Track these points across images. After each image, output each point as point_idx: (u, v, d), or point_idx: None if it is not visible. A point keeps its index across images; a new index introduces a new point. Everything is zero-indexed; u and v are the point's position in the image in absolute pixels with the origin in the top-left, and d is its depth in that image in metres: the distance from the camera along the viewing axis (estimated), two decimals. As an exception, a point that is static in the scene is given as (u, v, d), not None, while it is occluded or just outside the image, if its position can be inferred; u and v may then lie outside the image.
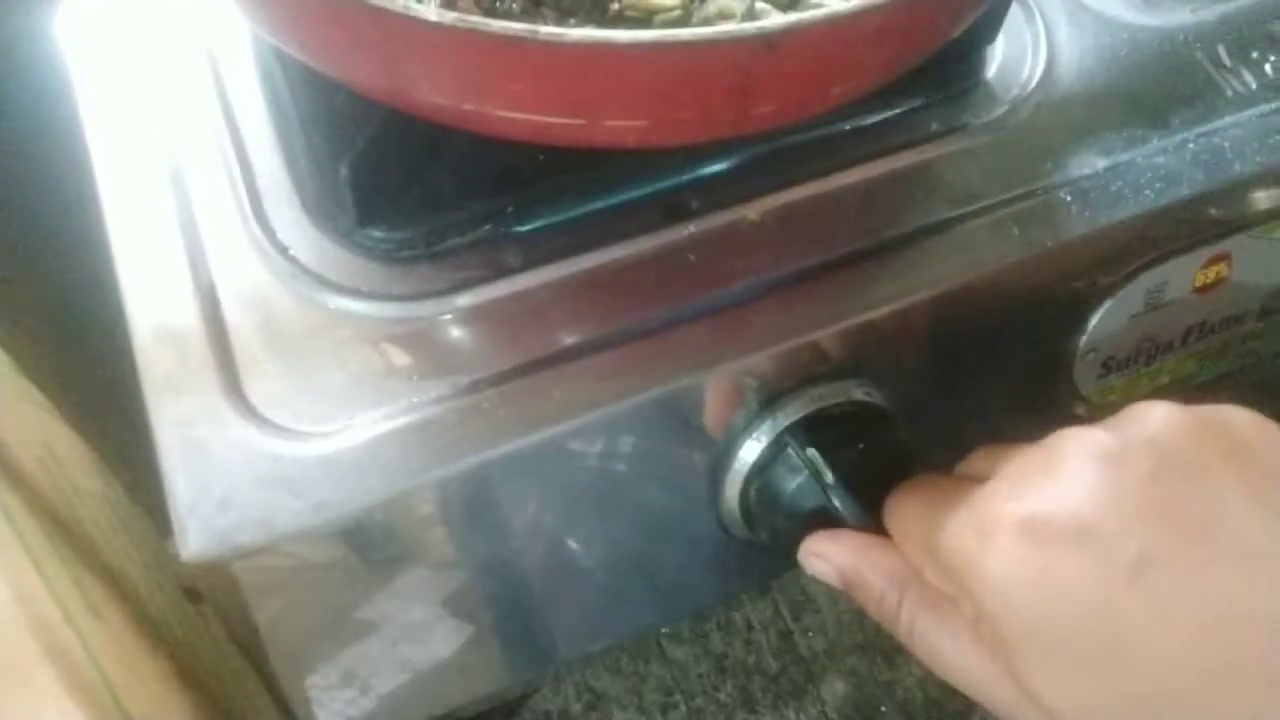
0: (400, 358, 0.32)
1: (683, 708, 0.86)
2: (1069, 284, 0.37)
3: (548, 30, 0.22)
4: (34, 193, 0.57)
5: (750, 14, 0.28)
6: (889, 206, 0.36)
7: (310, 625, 0.33)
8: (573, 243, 0.35)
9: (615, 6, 0.29)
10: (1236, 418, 0.25)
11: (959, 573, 0.25)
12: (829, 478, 0.31)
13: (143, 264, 0.35)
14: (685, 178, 0.36)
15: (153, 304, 0.34)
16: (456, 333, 0.33)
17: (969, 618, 0.26)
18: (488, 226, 0.35)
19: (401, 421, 0.31)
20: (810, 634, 0.89)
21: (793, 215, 0.36)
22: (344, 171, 0.33)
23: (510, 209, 0.35)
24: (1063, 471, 0.24)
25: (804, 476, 0.32)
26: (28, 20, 0.43)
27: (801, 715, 0.86)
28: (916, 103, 0.39)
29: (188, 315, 0.33)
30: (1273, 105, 0.40)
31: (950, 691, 0.27)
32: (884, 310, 0.33)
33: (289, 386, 0.31)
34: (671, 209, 0.36)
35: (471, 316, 0.33)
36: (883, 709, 0.86)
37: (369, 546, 0.31)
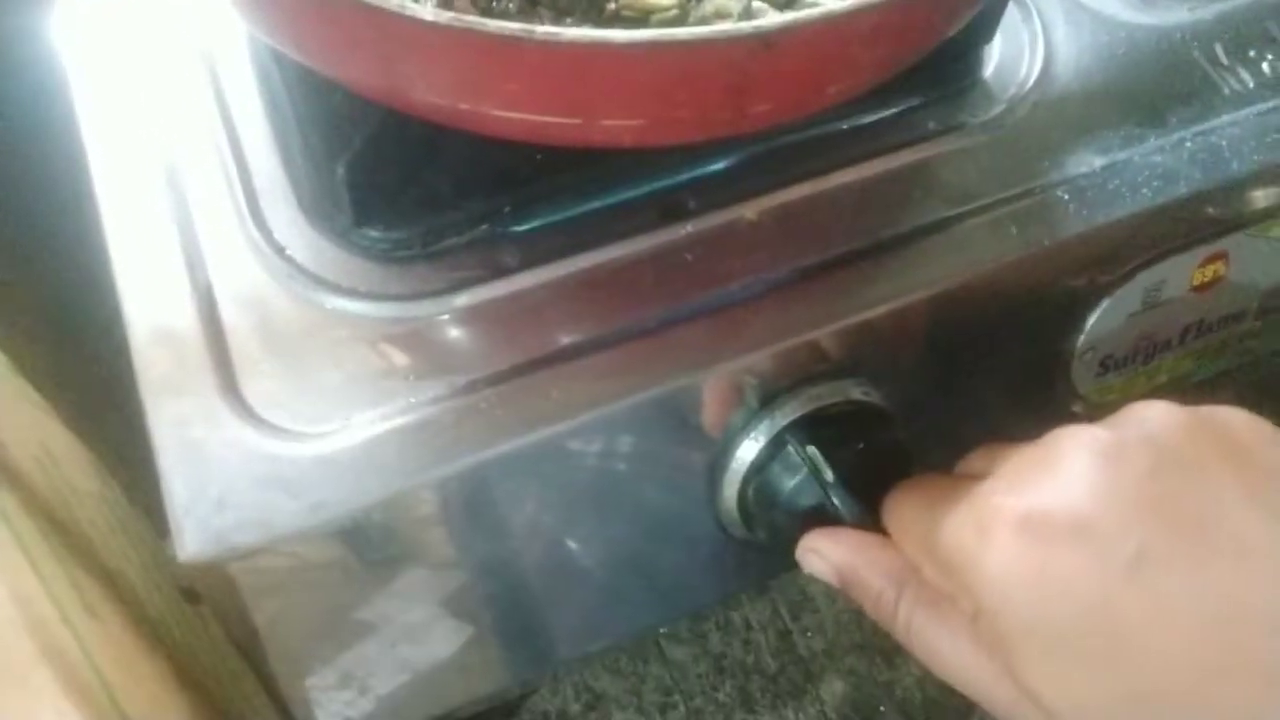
0: (397, 358, 0.32)
1: (681, 708, 0.86)
2: (1067, 283, 0.37)
3: (544, 30, 0.22)
4: (30, 193, 0.57)
5: (747, 13, 0.28)
6: (886, 206, 0.36)
7: (308, 626, 0.33)
8: (570, 242, 0.35)
9: (612, 6, 0.29)
10: (1234, 418, 0.25)
11: (957, 569, 0.25)
12: (828, 475, 0.31)
13: (139, 264, 0.35)
14: (683, 177, 0.36)
15: (149, 304, 0.34)
16: (454, 333, 0.33)
17: (967, 615, 0.26)
18: (485, 226, 0.35)
19: (399, 422, 0.31)
20: (809, 634, 0.89)
21: (790, 215, 0.36)
22: (341, 171, 0.33)
23: (507, 209, 0.35)
24: (1061, 468, 0.24)
25: (802, 475, 0.32)
26: (23, 20, 0.43)
27: (800, 715, 0.86)
28: (914, 102, 0.39)
29: (184, 315, 0.33)
30: (1270, 104, 0.40)
31: (949, 691, 0.27)
32: (882, 309, 0.33)
33: (286, 387, 0.31)
34: (669, 208, 0.36)
35: (469, 316, 0.33)
36: (881, 709, 0.86)
37: (367, 547, 0.31)
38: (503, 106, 0.25)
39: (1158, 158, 0.38)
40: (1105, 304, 0.38)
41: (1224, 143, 0.38)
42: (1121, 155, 0.38)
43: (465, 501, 0.32)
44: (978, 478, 0.27)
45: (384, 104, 0.29)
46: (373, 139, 0.32)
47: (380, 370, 0.32)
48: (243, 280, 0.34)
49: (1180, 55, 0.41)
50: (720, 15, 0.28)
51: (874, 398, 0.34)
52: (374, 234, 0.34)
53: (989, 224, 0.36)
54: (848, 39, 0.24)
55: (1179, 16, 0.42)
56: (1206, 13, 0.42)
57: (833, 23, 0.23)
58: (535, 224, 0.35)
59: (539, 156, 0.33)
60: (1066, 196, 0.36)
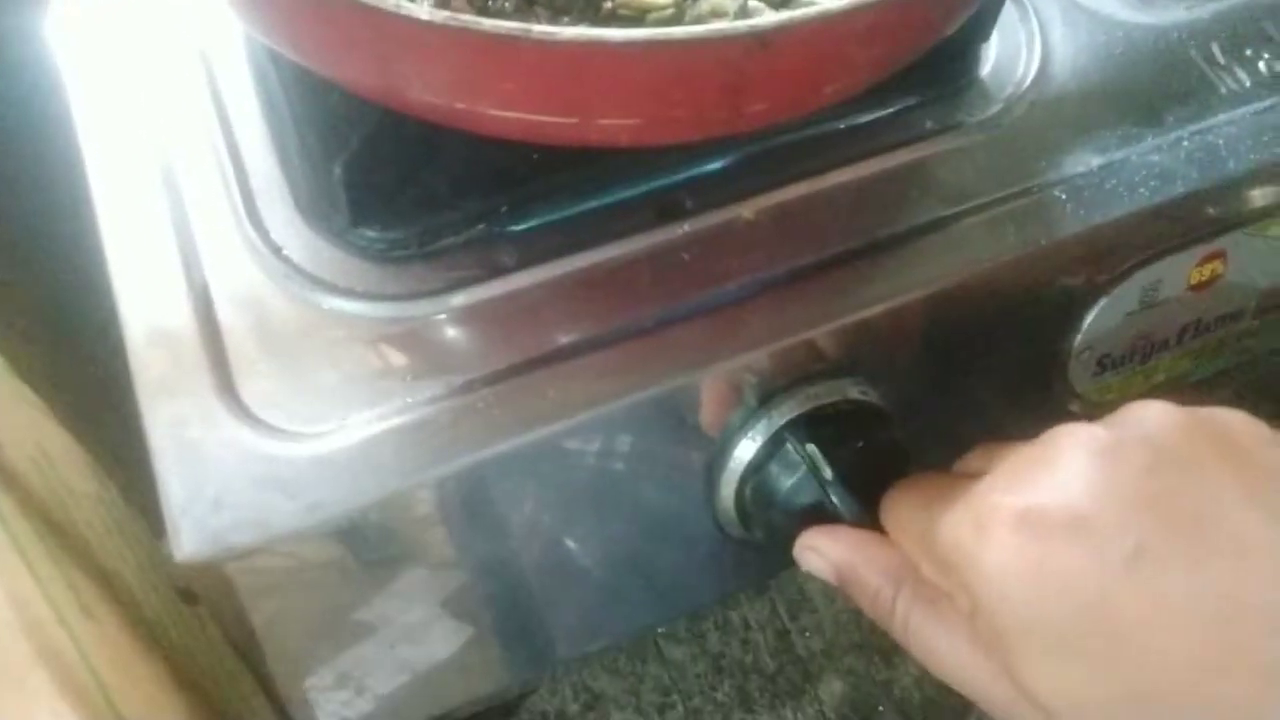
0: (394, 358, 0.32)
1: (680, 708, 0.86)
2: (1064, 282, 0.37)
3: (540, 29, 0.22)
4: (26, 194, 0.57)
5: (743, 12, 0.28)
6: (883, 205, 0.36)
7: (305, 626, 0.33)
8: (567, 242, 0.35)
9: (608, 5, 0.29)
10: (1232, 418, 0.25)
11: (955, 566, 0.25)
12: (827, 473, 0.31)
13: (136, 265, 0.34)
14: (679, 177, 0.36)
15: (146, 305, 0.33)
16: (451, 332, 0.33)
17: (965, 613, 0.26)
18: (481, 226, 0.35)
19: (396, 421, 0.31)
20: (807, 633, 0.89)
21: (787, 214, 0.36)
22: (337, 171, 0.33)
23: (504, 208, 0.35)
24: (1059, 465, 0.25)
25: (799, 475, 0.32)
26: (18, 21, 0.43)
27: (799, 715, 0.86)
28: (911, 101, 0.39)
29: (181, 316, 0.33)
30: (1266, 103, 0.40)
31: (947, 691, 0.27)
32: (879, 309, 0.33)
33: (283, 387, 0.31)
34: (666, 208, 0.35)
35: (466, 316, 0.33)
36: (880, 708, 0.86)
37: (364, 547, 0.31)
38: (499, 106, 0.25)
39: (1155, 157, 0.38)
40: (1102, 303, 0.38)
41: (1221, 142, 0.38)
42: (1119, 154, 0.38)
43: (462, 501, 0.32)
44: (975, 476, 0.27)
45: (381, 104, 0.29)
46: (369, 139, 0.32)
47: (377, 370, 0.32)
48: (239, 280, 0.34)
49: (1177, 55, 0.41)
50: (716, 14, 0.28)
51: (871, 397, 0.34)
52: (371, 234, 0.34)
53: (986, 223, 0.36)
54: (844, 38, 0.24)
55: (1176, 16, 0.42)
56: (1203, 12, 0.43)
57: (829, 22, 0.23)
58: (532, 224, 0.35)
59: (536, 156, 0.33)
60: (1063, 196, 0.36)
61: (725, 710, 0.85)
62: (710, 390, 0.33)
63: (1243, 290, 0.41)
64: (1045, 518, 0.24)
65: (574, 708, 0.85)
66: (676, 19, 0.29)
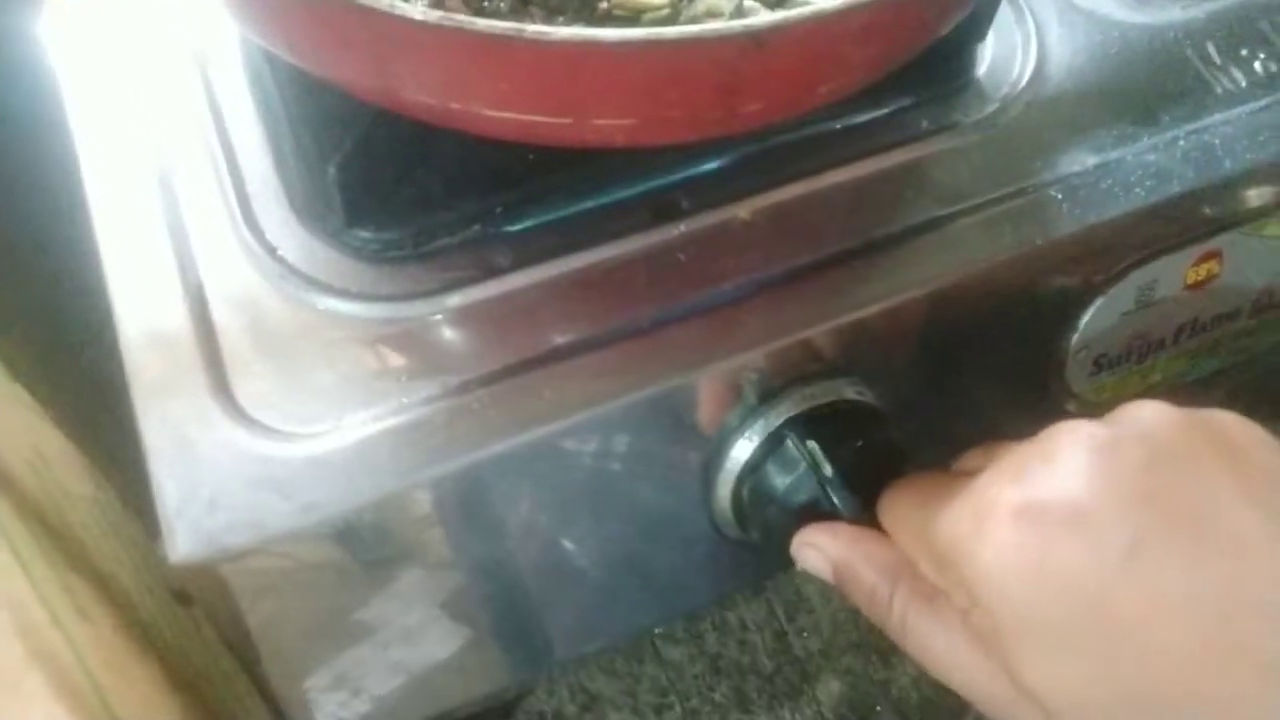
0: (389, 358, 0.32)
1: (677, 708, 0.86)
2: (1060, 282, 0.37)
3: (534, 29, 0.22)
4: (21, 196, 0.57)
5: (739, 12, 0.28)
6: (879, 205, 0.36)
7: (301, 627, 0.33)
8: (562, 242, 0.34)
9: (603, 5, 0.29)
10: (1226, 419, 0.25)
11: (953, 561, 0.25)
12: (828, 470, 0.31)
13: (131, 266, 0.34)
14: (675, 177, 0.36)
15: (141, 306, 0.33)
16: (446, 333, 0.33)
17: (962, 610, 0.26)
18: (477, 226, 0.35)
19: (391, 422, 0.31)
20: (805, 634, 0.89)
21: (783, 214, 0.36)
22: (332, 172, 0.33)
23: (499, 209, 0.35)
24: (1058, 461, 0.25)
25: (796, 475, 0.32)
26: (10, 21, 0.43)
27: (797, 715, 0.86)
28: (907, 101, 0.39)
29: (176, 317, 0.33)
30: (1262, 102, 0.40)
31: (945, 691, 0.27)
32: (875, 308, 0.33)
33: (278, 387, 0.31)
34: (662, 208, 0.35)
35: (461, 317, 0.33)
36: (878, 708, 0.86)
37: (359, 548, 0.31)
38: (494, 106, 0.25)
39: (1151, 156, 0.38)
40: (1099, 303, 0.38)
41: (1217, 142, 0.38)
42: (1114, 154, 0.38)
43: (458, 502, 0.32)
44: (974, 474, 0.27)
45: (375, 104, 0.29)
46: (364, 139, 0.32)
47: (372, 371, 0.32)
48: (234, 281, 0.34)
49: (1173, 54, 0.41)
50: (712, 14, 0.28)
51: (868, 397, 0.34)
52: (366, 234, 0.34)
53: (982, 223, 0.36)
54: (839, 38, 0.24)
55: (1171, 16, 0.43)
56: (1199, 12, 0.43)
57: (824, 21, 0.23)
58: (528, 224, 0.35)
59: (531, 156, 0.33)
60: (1060, 195, 0.36)
61: (723, 711, 0.85)
62: (707, 391, 0.33)
63: (1239, 290, 0.41)
64: (1044, 512, 0.24)
65: (571, 708, 0.85)
66: (672, 19, 0.29)
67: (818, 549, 0.30)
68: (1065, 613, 0.23)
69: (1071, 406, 0.41)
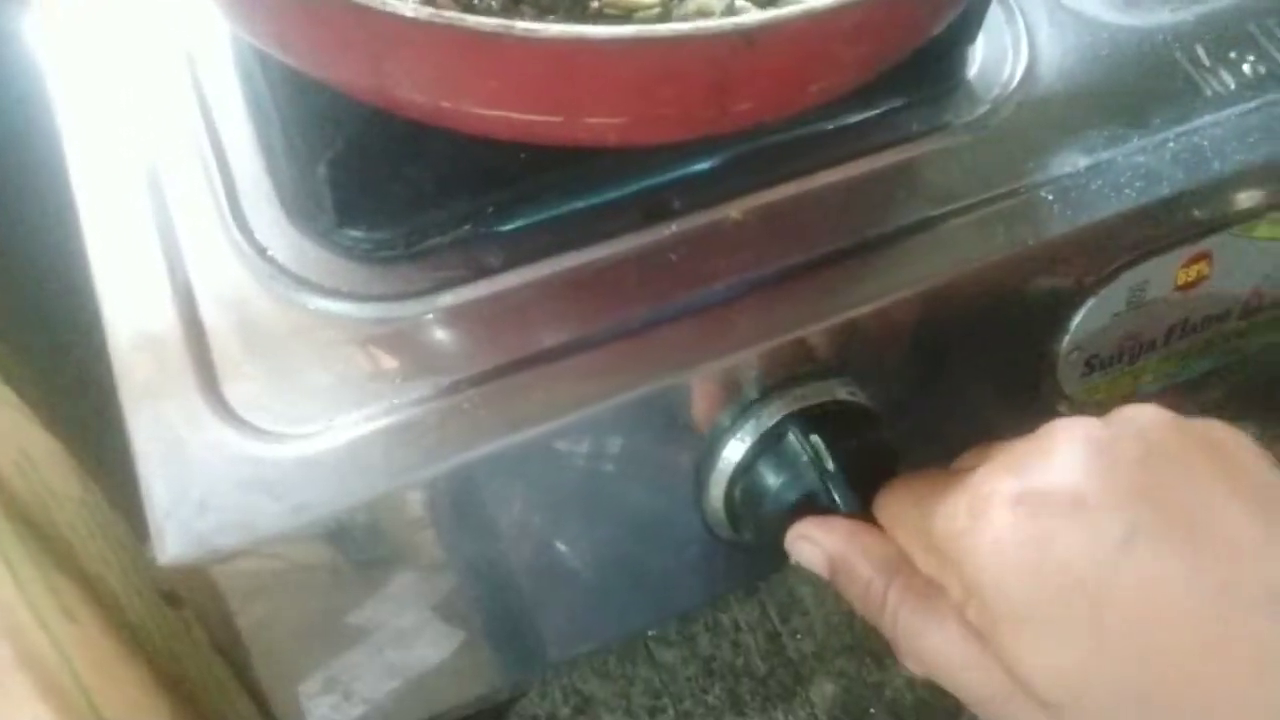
0: (381, 358, 0.32)
1: (671, 711, 0.85)
2: (1051, 283, 0.37)
3: (524, 25, 0.22)
4: (9, 196, 0.57)
5: (730, 11, 0.28)
6: (871, 205, 0.36)
7: (292, 629, 0.33)
8: (554, 242, 0.34)
9: (595, 4, 0.29)
10: (1215, 425, 0.26)
11: (951, 549, 0.25)
12: (830, 465, 0.31)
13: (119, 267, 0.34)
14: (667, 177, 0.36)
15: (130, 307, 0.33)
16: (437, 333, 0.33)
17: (958, 604, 0.26)
18: (468, 226, 0.34)
19: (382, 422, 0.30)
20: (798, 636, 0.89)
21: (775, 214, 0.36)
22: (323, 171, 0.32)
23: (491, 208, 0.35)
24: (1056, 454, 0.25)
25: (790, 473, 0.32)
26: (-1, 21, 0.43)
27: (790, 717, 0.86)
28: (898, 102, 0.39)
29: (165, 318, 0.33)
30: (1251, 104, 0.40)
31: (939, 693, 0.27)
32: (867, 309, 0.33)
33: (268, 388, 0.31)
34: (653, 208, 0.35)
35: (452, 317, 0.33)
36: (871, 711, 0.86)
37: (350, 549, 0.31)
38: (485, 104, 0.25)
39: (1141, 158, 0.38)
40: (1090, 304, 0.38)
41: (1206, 143, 0.38)
42: (1105, 155, 0.38)
43: (450, 503, 0.32)
44: (970, 471, 0.27)
45: (367, 103, 0.29)
46: (355, 138, 0.32)
47: (363, 371, 0.32)
48: (224, 281, 0.34)
49: (1162, 56, 0.41)
50: (703, 14, 0.28)
51: (860, 397, 0.34)
52: (357, 234, 0.34)
53: (973, 224, 0.36)
54: (830, 36, 0.24)
55: (1161, 18, 0.43)
56: (1188, 14, 0.43)
57: (815, 20, 0.23)
58: (519, 224, 0.35)
59: (522, 156, 0.33)
60: (1050, 196, 0.37)
61: (716, 713, 0.85)
62: (699, 391, 0.33)
63: (1229, 291, 0.41)
64: (1042, 501, 0.24)
65: (564, 711, 0.85)
66: (663, 18, 0.29)
67: (813, 542, 0.30)
68: (1062, 600, 0.23)
69: (1063, 408, 0.41)
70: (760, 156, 0.37)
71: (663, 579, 0.39)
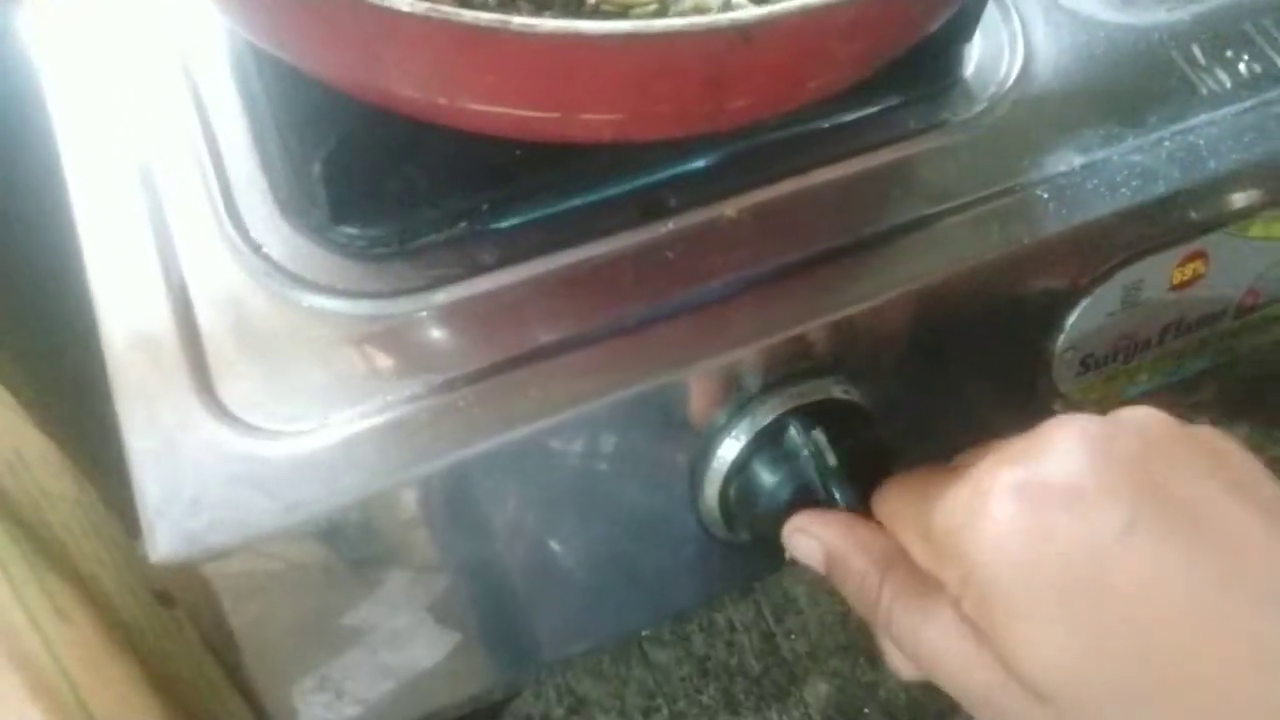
0: (375, 356, 0.32)
1: (665, 711, 0.85)
2: (1046, 281, 0.37)
3: (520, 20, 0.22)
4: (3, 195, 0.56)
5: (726, 8, 0.28)
6: (867, 204, 0.36)
7: (284, 627, 0.33)
8: (550, 240, 0.34)
9: (591, 1, 0.29)
10: (1207, 429, 0.26)
11: (951, 542, 0.26)
12: (831, 460, 0.31)
13: (114, 264, 0.34)
14: (663, 175, 0.36)
15: (124, 305, 0.33)
16: (432, 330, 0.33)
17: (954, 597, 0.26)
18: (463, 224, 0.34)
19: (377, 420, 0.30)
20: (793, 636, 0.89)
21: (771, 212, 0.36)
22: (318, 168, 0.32)
23: (486, 206, 0.34)
24: (1055, 448, 0.25)
25: (786, 470, 0.32)
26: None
27: (784, 717, 0.86)
28: (894, 100, 0.39)
29: (159, 315, 0.33)
30: (1246, 104, 0.40)
31: (932, 693, 0.27)
32: (862, 307, 0.33)
33: (262, 386, 0.31)
34: (649, 206, 0.35)
35: (447, 314, 0.33)
36: (865, 710, 0.86)
37: (344, 547, 0.31)
38: (480, 100, 0.25)
39: (1136, 157, 0.38)
40: (1085, 303, 0.38)
41: (1202, 142, 0.39)
42: (1100, 154, 0.38)
43: (444, 501, 0.32)
44: (970, 466, 0.27)
45: (362, 100, 0.29)
46: (351, 136, 0.32)
47: (358, 369, 0.31)
48: (219, 279, 0.34)
49: (1158, 55, 0.41)
50: (700, 10, 0.28)
51: (855, 396, 0.34)
52: (351, 231, 0.34)
53: (969, 222, 0.36)
54: (826, 32, 0.24)
55: (1157, 17, 0.43)
56: (1184, 13, 0.43)
57: (811, 16, 0.23)
58: (514, 221, 0.35)
59: (518, 153, 0.33)
60: (1046, 195, 0.37)
61: (711, 713, 0.85)
62: (694, 389, 0.33)
63: (1224, 290, 0.41)
64: (1043, 489, 0.24)
65: (558, 711, 0.85)
66: (660, 15, 0.28)
67: (810, 535, 0.30)
68: (1061, 588, 0.23)
69: (1058, 406, 0.41)
70: (756, 154, 0.37)
71: (657, 579, 0.39)
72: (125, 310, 0.33)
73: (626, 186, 0.36)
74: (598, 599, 0.38)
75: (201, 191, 0.36)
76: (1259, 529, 0.23)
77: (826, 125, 0.38)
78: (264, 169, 0.36)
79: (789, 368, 0.33)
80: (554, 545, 0.35)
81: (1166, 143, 0.38)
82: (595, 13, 0.28)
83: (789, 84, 0.26)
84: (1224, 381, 0.46)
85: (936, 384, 0.39)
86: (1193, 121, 0.39)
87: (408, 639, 0.35)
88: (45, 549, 0.36)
